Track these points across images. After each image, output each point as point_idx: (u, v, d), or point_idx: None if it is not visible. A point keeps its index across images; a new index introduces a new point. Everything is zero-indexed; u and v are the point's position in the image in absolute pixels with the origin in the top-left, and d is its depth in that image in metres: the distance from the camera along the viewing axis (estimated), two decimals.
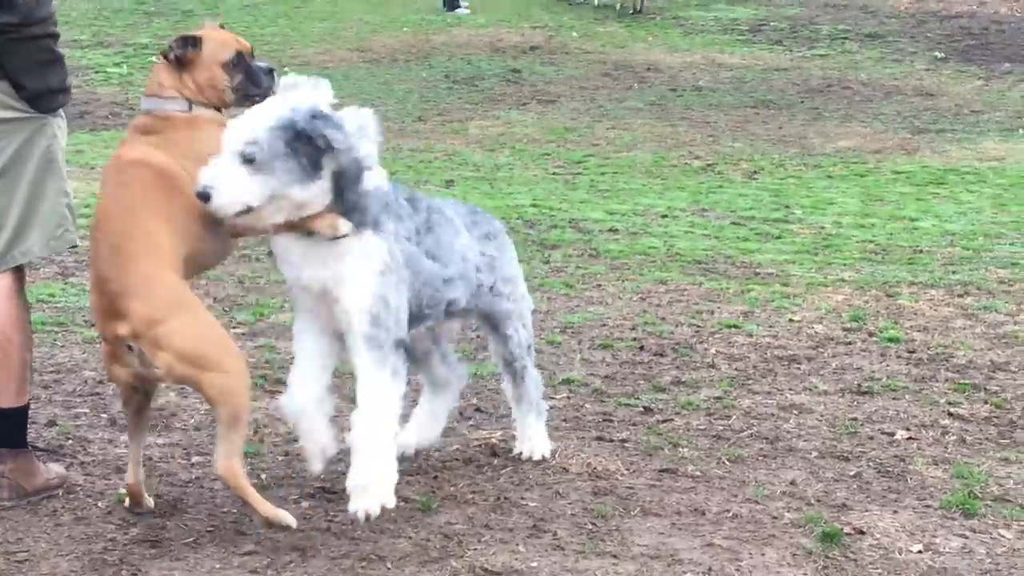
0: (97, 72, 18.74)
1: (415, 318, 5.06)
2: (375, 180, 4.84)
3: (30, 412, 5.30)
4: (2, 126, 4.94)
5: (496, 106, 17.46)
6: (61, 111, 5.13)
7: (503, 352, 5.66)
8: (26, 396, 5.15)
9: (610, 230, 10.78)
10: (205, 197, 4.60)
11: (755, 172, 13.85)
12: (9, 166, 4.97)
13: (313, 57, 20.15)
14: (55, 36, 5.01)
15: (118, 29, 21.89)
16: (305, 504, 5.21)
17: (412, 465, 5.59)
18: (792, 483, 5.60)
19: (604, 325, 7.95)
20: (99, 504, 5.15)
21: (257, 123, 4.63)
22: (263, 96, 4.92)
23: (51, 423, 6.01)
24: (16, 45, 4.88)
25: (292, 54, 20.39)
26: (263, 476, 5.44)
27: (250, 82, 5.01)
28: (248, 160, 4.59)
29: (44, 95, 5.01)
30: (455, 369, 5.79)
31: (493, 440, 5.96)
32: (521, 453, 5.75)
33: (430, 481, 5.47)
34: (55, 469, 5.31)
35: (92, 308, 4.91)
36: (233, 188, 4.58)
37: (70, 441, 5.81)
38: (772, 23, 23.39)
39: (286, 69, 19.62)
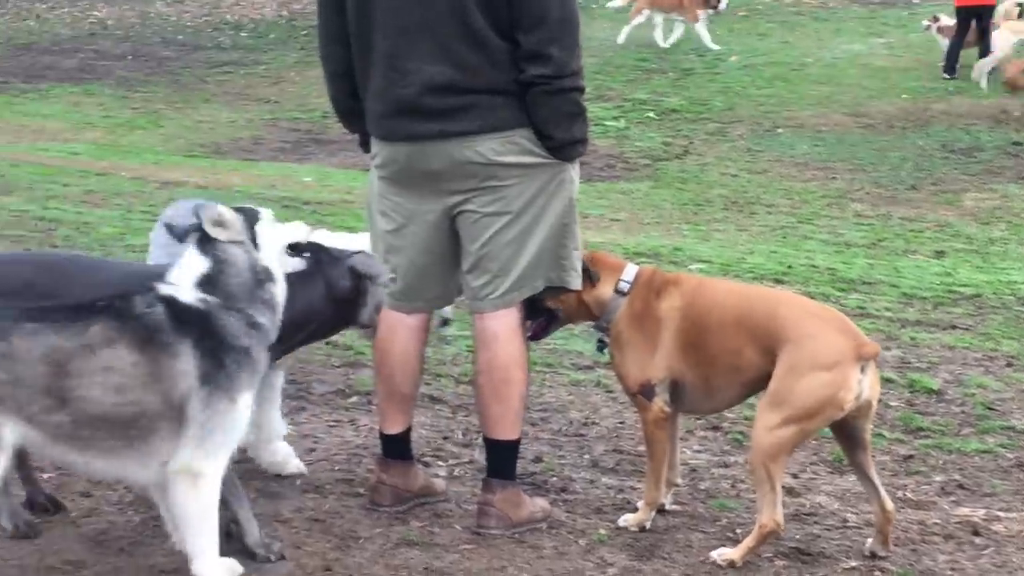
0: (596, 125, 19.29)
1: None
2: None
3: (519, 447, 5.51)
4: (524, 170, 5.12)
5: (994, 179, 16.98)
6: (577, 161, 5.31)
7: None
8: (519, 431, 5.36)
9: None
10: None
11: None
12: (527, 208, 5.16)
13: (808, 120, 20.13)
14: (581, 90, 5.11)
15: (619, 84, 22.49)
16: (779, 563, 5.21)
17: (893, 536, 5.51)
18: None
19: None
20: (579, 541, 5.29)
21: None
22: None
23: (537, 459, 6.22)
24: (547, 97, 5.02)
25: (787, 116, 20.44)
26: (738, 532, 5.48)
27: None
28: None
29: (567, 146, 5.16)
30: None
31: (975, 519, 5.80)
32: None
33: (908, 554, 5.37)
34: (540, 503, 5.50)
35: None
36: None
37: (554, 478, 6.00)
38: None
39: (779, 130, 19.64)
